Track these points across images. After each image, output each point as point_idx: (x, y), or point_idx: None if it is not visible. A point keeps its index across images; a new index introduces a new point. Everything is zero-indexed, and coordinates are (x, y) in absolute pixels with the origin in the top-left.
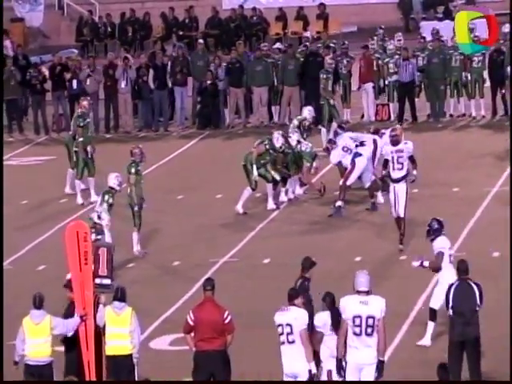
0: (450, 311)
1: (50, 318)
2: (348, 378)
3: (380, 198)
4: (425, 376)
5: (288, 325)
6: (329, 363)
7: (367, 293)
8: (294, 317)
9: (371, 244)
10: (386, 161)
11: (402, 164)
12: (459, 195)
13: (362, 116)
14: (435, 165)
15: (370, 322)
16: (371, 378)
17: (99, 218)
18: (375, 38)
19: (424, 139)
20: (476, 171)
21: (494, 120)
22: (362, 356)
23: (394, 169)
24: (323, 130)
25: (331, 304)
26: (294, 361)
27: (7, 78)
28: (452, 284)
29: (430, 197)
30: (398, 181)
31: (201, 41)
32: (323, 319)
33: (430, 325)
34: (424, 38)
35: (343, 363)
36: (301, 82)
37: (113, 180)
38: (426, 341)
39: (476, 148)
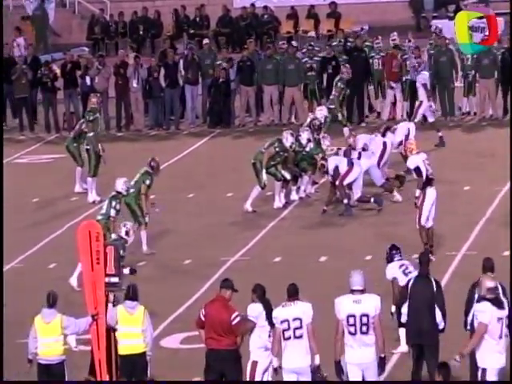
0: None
1: (60, 318)
2: (351, 379)
3: (397, 196)
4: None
5: (297, 319)
6: (257, 354)
7: (361, 291)
8: (302, 310)
9: (382, 242)
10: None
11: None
12: (470, 194)
13: (379, 114)
14: (446, 163)
15: (364, 320)
16: (373, 377)
17: (127, 234)
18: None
19: (435, 137)
20: (487, 170)
21: (505, 119)
22: (360, 355)
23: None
24: (345, 129)
25: (262, 295)
26: (299, 356)
27: (18, 76)
28: (476, 282)
29: (440, 195)
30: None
31: (206, 40)
32: (258, 310)
33: (402, 331)
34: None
35: (342, 365)
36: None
37: (121, 185)
38: (403, 347)
39: (487, 146)
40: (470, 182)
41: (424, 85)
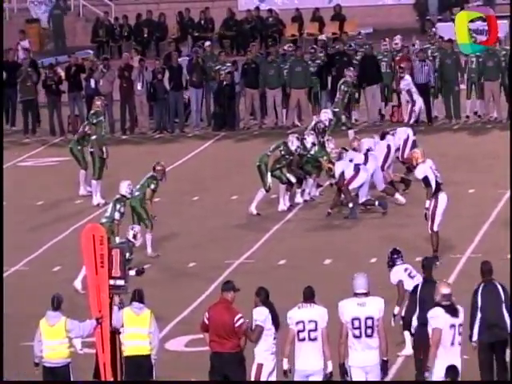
0: (479, 314)
1: (65, 321)
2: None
3: (401, 198)
4: None
5: (312, 321)
6: (262, 356)
7: (365, 294)
8: (318, 313)
9: (386, 245)
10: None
11: None
12: (475, 196)
13: (383, 117)
14: (451, 166)
15: (369, 323)
16: (377, 379)
17: (134, 237)
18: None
19: (440, 140)
20: (491, 172)
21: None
22: (364, 358)
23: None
24: (350, 131)
25: (266, 299)
26: (312, 358)
27: (23, 79)
28: (478, 286)
29: None
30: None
31: (207, 43)
32: (264, 313)
33: (407, 334)
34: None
35: (346, 367)
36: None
37: (125, 188)
38: (408, 350)
39: (492, 149)
40: (474, 184)
41: (408, 91)
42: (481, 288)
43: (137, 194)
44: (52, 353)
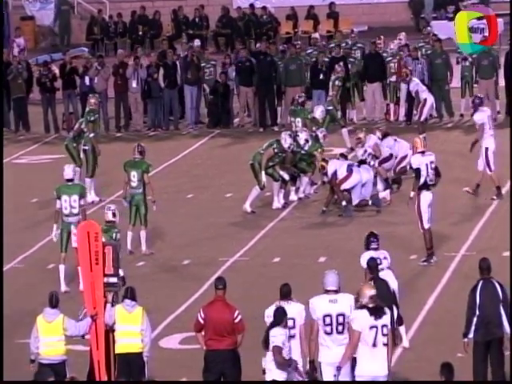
0: (477, 312)
1: (62, 318)
2: (325, 379)
3: (387, 197)
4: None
5: (290, 319)
6: None
7: (336, 292)
8: (297, 311)
9: (381, 243)
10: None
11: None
12: (469, 195)
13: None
14: (445, 164)
15: (341, 319)
16: (348, 375)
17: (114, 215)
18: (349, 40)
19: (433, 139)
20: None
21: (508, 120)
22: (335, 355)
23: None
24: (344, 130)
25: None
26: (294, 356)
27: (14, 76)
28: (477, 284)
29: (439, 196)
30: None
31: (197, 41)
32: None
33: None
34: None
35: (316, 365)
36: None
37: (71, 171)
38: (405, 343)
39: None
40: (469, 182)
41: (416, 92)
42: (479, 285)
43: (140, 190)
44: (49, 349)
